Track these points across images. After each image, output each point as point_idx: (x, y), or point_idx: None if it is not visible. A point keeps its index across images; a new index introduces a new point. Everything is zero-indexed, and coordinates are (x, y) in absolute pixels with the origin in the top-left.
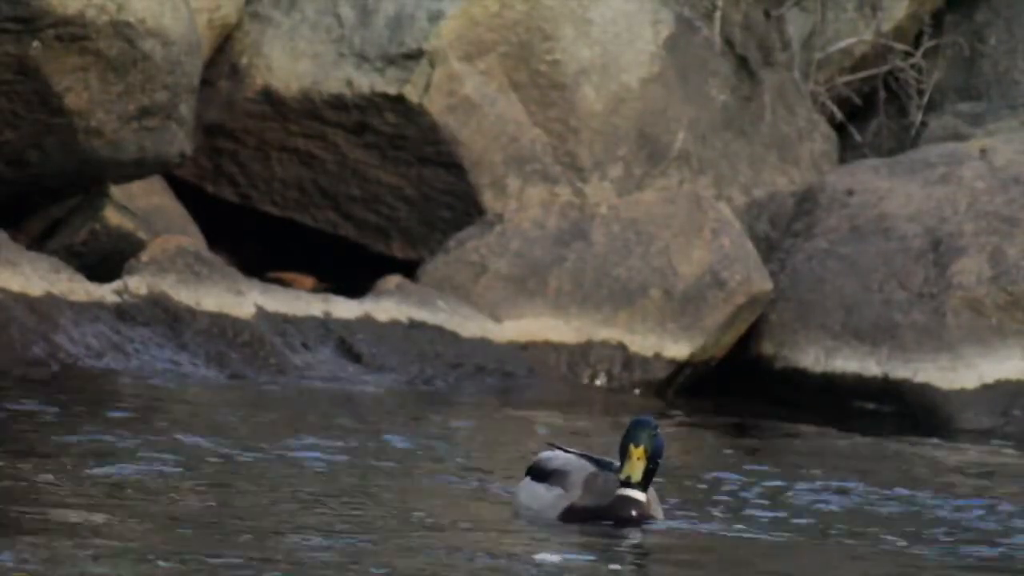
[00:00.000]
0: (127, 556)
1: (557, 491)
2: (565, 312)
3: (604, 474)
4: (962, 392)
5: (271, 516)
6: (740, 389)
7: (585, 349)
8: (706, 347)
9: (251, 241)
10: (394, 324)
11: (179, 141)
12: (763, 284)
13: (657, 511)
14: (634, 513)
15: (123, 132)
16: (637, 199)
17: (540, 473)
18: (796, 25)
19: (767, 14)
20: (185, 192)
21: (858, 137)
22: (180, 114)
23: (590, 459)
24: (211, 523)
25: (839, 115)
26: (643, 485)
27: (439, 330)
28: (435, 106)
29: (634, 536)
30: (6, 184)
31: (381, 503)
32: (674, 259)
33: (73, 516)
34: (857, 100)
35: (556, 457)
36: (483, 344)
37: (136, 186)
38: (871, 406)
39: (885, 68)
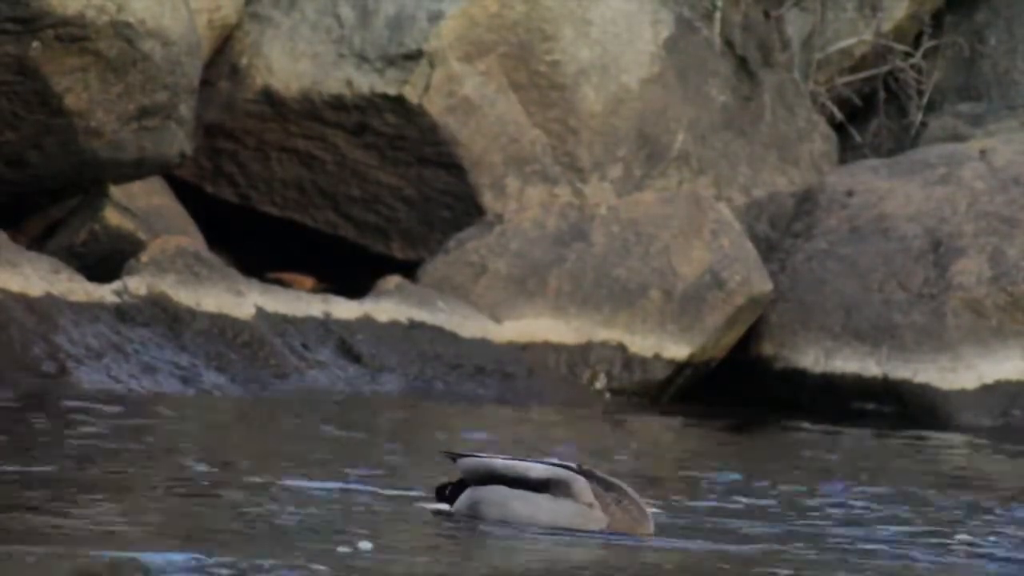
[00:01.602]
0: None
1: (570, 504)
2: (565, 313)
3: (599, 486)
4: (962, 392)
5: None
6: (740, 390)
7: (585, 350)
8: (706, 348)
9: (251, 241)
10: (394, 324)
11: (179, 141)
12: (763, 285)
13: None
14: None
15: (123, 132)
16: (637, 199)
17: (519, 482)
18: (796, 25)
19: (767, 14)
20: (185, 192)
21: (858, 137)
22: (180, 114)
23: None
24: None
25: (839, 115)
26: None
27: (439, 330)
28: (435, 107)
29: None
30: (6, 184)
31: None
32: (674, 260)
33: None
34: (857, 100)
35: (516, 464)
36: (483, 344)
37: (136, 186)
38: (871, 406)
39: (885, 68)
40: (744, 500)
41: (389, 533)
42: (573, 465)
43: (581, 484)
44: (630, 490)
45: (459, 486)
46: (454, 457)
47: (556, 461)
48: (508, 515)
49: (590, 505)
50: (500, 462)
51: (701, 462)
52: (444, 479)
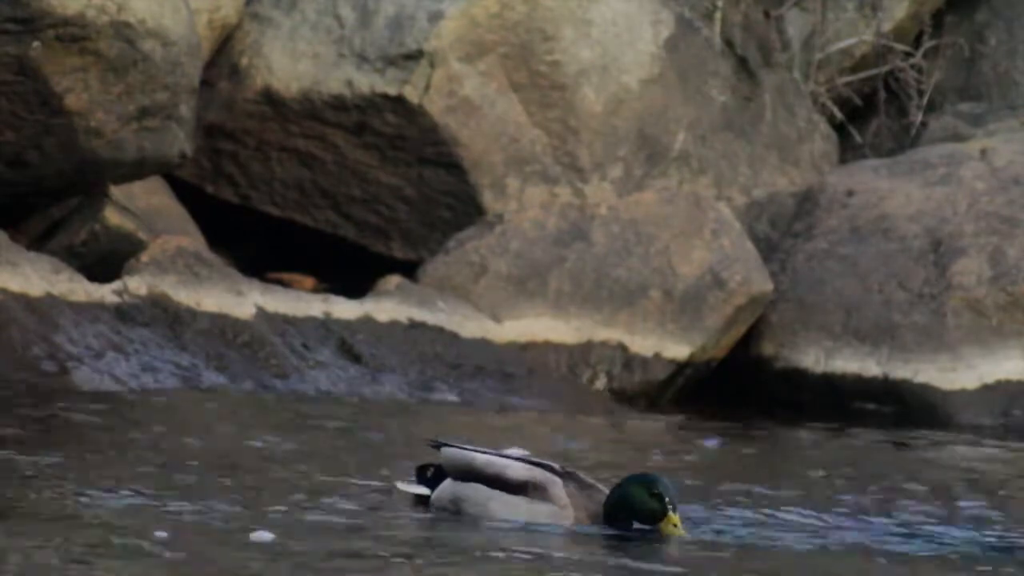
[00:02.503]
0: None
1: (547, 507)
2: (565, 313)
3: (575, 487)
4: (962, 392)
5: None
6: (740, 390)
7: (585, 350)
8: (706, 348)
9: (251, 241)
10: (394, 324)
11: (179, 142)
12: (763, 285)
13: None
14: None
15: (123, 132)
16: (637, 199)
17: (498, 482)
18: (796, 25)
19: (767, 14)
20: (185, 192)
21: (858, 137)
22: (180, 114)
23: (518, 459)
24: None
25: (839, 115)
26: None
27: (439, 330)
28: (435, 107)
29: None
30: (6, 184)
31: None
32: (674, 260)
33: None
34: (857, 100)
35: (496, 461)
36: (483, 344)
37: (136, 186)
38: (871, 407)
39: (885, 68)
40: (735, 499)
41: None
42: (556, 466)
43: (558, 487)
44: (604, 489)
45: (442, 470)
46: (438, 445)
47: (536, 459)
48: (487, 515)
49: (564, 507)
50: (481, 458)
51: (697, 461)
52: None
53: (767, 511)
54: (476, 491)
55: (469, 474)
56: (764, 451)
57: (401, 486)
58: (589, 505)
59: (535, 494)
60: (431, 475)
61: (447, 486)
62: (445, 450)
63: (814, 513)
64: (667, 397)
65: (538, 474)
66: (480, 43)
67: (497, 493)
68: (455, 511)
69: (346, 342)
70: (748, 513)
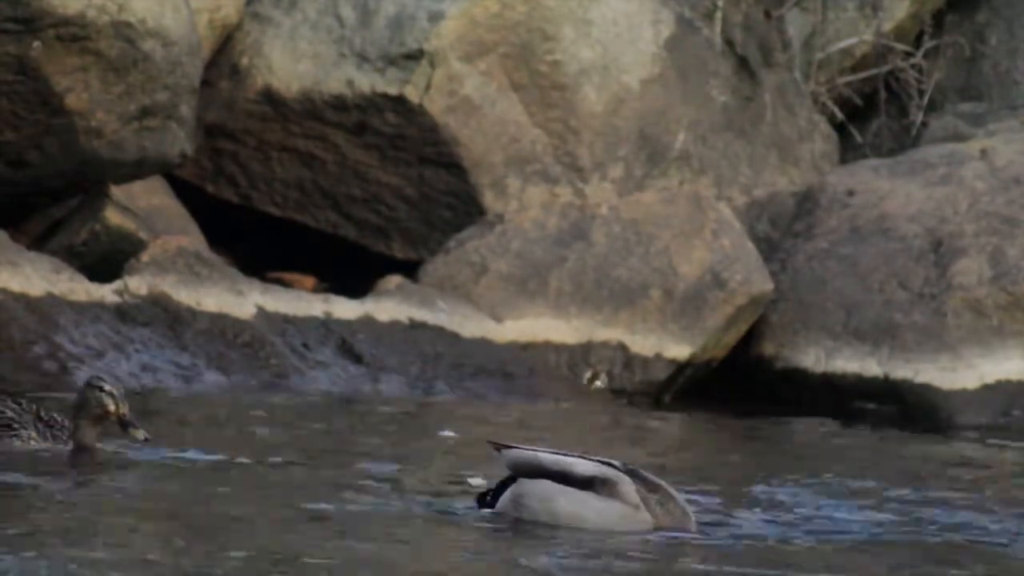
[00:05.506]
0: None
1: (618, 504)
2: (565, 312)
3: (642, 486)
4: (962, 392)
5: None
6: (741, 389)
7: (585, 349)
8: (707, 347)
9: (251, 241)
10: (395, 324)
11: (180, 141)
12: (764, 284)
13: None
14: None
15: (123, 132)
16: (637, 199)
17: (566, 478)
18: (796, 25)
19: (767, 14)
20: (185, 192)
21: (858, 137)
22: (181, 114)
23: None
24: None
25: (839, 115)
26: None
27: (440, 330)
28: (435, 106)
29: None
30: (6, 184)
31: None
32: (674, 259)
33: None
34: (858, 100)
35: (566, 459)
36: (484, 344)
37: (136, 186)
38: (872, 406)
39: (886, 68)
40: (735, 497)
41: None
42: (618, 463)
43: (627, 484)
44: (671, 489)
45: (500, 488)
46: (499, 448)
47: (602, 459)
48: (553, 511)
49: (636, 507)
50: (545, 456)
51: (698, 461)
52: (479, 480)
53: (751, 508)
54: (541, 487)
55: (535, 472)
56: (761, 451)
57: (474, 482)
58: (661, 511)
59: (603, 490)
60: (490, 497)
61: (513, 488)
62: (507, 452)
63: (821, 509)
64: (668, 397)
65: (607, 471)
66: (480, 43)
67: (565, 489)
68: (518, 510)
69: (346, 342)
70: (731, 510)
